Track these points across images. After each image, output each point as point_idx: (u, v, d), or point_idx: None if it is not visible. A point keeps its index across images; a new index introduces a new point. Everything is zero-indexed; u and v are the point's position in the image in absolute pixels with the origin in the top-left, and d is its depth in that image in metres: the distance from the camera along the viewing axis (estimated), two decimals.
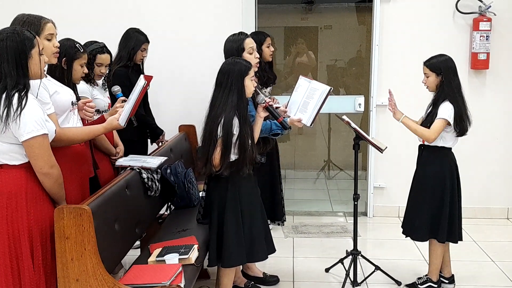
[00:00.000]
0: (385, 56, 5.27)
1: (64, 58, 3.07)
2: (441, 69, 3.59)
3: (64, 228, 2.50)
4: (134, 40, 4.32)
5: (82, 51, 3.21)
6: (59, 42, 2.95)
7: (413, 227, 3.75)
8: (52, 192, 2.61)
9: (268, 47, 4.24)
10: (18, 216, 2.49)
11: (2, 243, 2.48)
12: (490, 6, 5.05)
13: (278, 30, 9.03)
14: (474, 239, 4.76)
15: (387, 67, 5.27)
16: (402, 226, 3.85)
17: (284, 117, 3.48)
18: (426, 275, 3.82)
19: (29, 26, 2.69)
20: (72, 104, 2.96)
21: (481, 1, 5.09)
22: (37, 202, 2.55)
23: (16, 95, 2.42)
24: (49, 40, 2.80)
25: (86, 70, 3.33)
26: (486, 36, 5.09)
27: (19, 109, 2.41)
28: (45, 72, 2.83)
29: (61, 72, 3.07)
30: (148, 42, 4.41)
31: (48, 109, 2.70)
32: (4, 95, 2.41)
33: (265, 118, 3.36)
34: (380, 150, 3.69)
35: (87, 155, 3.12)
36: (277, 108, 3.41)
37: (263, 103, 3.27)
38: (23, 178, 2.52)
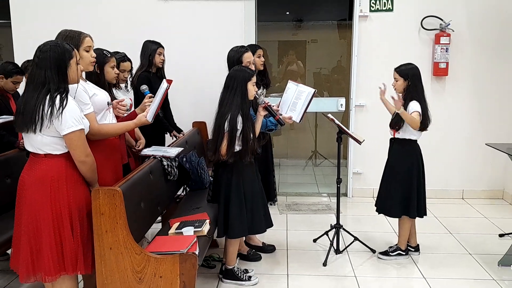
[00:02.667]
0: (362, 65, 5.26)
1: (96, 65, 3.06)
2: (408, 75, 3.58)
3: (100, 206, 2.51)
4: (150, 48, 4.29)
5: (109, 55, 3.20)
6: None
7: (387, 206, 3.76)
8: (87, 176, 2.60)
9: (259, 57, 4.09)
10: (59, 196, 2.49)
11: (47, 218, 2.48)
12: (449, 24, 5.05)
13: (273, 44, 9.01)
14: (435, 215, 4.77)
15: (364, 74, 5.26)
16: (375, 205, 3.86)
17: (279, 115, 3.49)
18: (396, 245, 3.83)
19: (71, 40, 2.68)
20: (107, 104, 2.95)
21: (442, 20, 5.09)
22: (75, 184, 2.55)
23: (58, 97, 2.42)
24: (87, 51, 2.79)
25: (117, 71, 3.32)
26: (446, 49, 5.09)
27: (60, 108, 2.40)
28: (84, 77, 2.82)
29: (96, 77, 3.06)
30: (162, 47, 4.36)
31: (88, 108, 2.69)
32: (48, 97, 2.41)
33: (265, 116, 3.38)
34: (359, 142, 3.69)
35: (120, 146, 3.12)
36: (271, 106, 3.43)
37: (263, 103, 3.28)
38: (63, 165, 2.52)
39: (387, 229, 4.43)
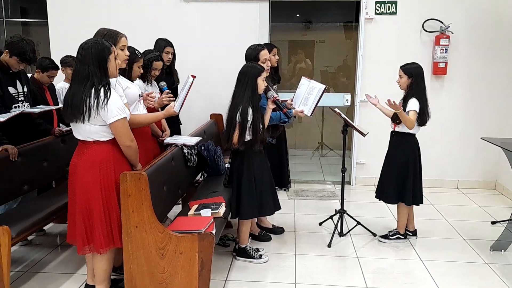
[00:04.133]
0: (367, 63, 5.22)
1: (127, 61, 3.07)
2: (412, 73, 3.55)
3: (127, 188, 2.54)
4: (158, 46, 4.23)
5: (140, 56, 3.22)
6: None
7: (385, 193, 3.75)
8: (132, 159, 2.66)
9: (274, 55, 4.09)
10: (107, 177, 2.55)
11: (97, 197, 2.54)
12: (449, 26, 4.98)
13: (284, 43, 8.96)
14: (432, 203, 4.75)
15: (369, 71, 5.22)
16: (375, 192, 3.85)
17: (289, 109, 3.48)
18: (395, 229, 3.83)
19: (109, 38, 2.70)
20: (139, 96, 2.98)
21: (442, 23, 5.03)
22: (121, 166, 2.61)
23: (102, 89, 2.45)
24: (122, 49, 2.81)
25: (141, 71, 3.33)
26: (445, 49, 5.02)
27: (105, 100, 2.44)
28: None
29: (123, 72, 3.08)
30: (170, 45, 4.27)
31: (122, 100, 2.70)
32: (93, 90, 2.44)
33: (274, 110, 3.37)
34: (363, 134, 3.67)
35: (149, 133, 3.15)
36: (284, 101, 3.42)
37: (272, 97, 3.29)
38: (110, 149, 2.57)
39: (387, 215, 4.41)
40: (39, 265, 3.38)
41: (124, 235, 2.61)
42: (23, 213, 3.10)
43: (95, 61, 2.47)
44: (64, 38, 5.18)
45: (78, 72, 2.49)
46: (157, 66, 3.64)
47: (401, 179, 3.63)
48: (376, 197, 3.83)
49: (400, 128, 3.62)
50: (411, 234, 3.85)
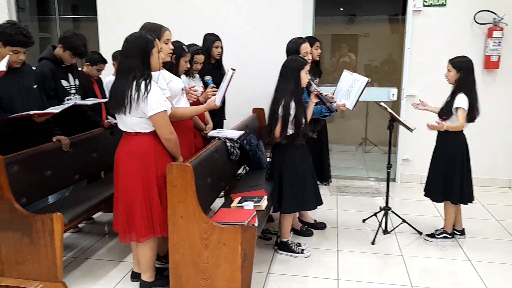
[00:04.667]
0: (414, 57, 5.07)
1: (174, 55, 3.11)
2: (461, 67, 3.44)
3: (173, 179, 2.59)
4: (207, 41, 4.27)
5: (187, 51, 3.26)
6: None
7: (431, 190, 3.65)
8: (172, 151, 2.71)
9: (316, 49, 4.06)
10: (148, 168, 2.62)
11: (138, 187, 2.62)
12: (503, 18, 4.76)
13: (327, 37, 8.85)
14: (481, 203, 4.56)
15: (416, 65, 5.07)
16: (424, 190, 3.75)
17: (331, 103, 3.44)
18: (442, 228, 3.71)
19: (153, 32, 2.75)
20: (181, 90, 3.02)
21: (495, 14, 4.80)
22: (162, 158, 2.67)
23: (143, 82, 2.50)
24: (166, 43, 2.86)
25: (188, 65, 3.38)
26: (499, 42, 4.80)
27: (146, 93, 2.49)
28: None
29: (170, 66, 3.12)
30: (219, 40, 4.29)
31: (165, 93, 2.76)
32: (134, 83, 2.50)
33: (317, 104, 3.34)
34: (410, 130, 3.58)
35: (192, 126, 3.20)
36: (326, 95, 3.39)
37: (315, 91, 3.26)
38: (152, 141, 2.63)
39: (434, 213, 4.28)
40: (88, 251, 3.52)
41: (170, 225, 2.67)
42: (74, 201, 3.24)
43: (138, 54, 2.52)
44: (112, 33, 5.35)
45: (122, 65, 2.56)
46: (199, 59, 3.68)
47: (448, 176, 3.52)
48: (425, 195, 3.72)
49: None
50: (458, 233, 3.72)
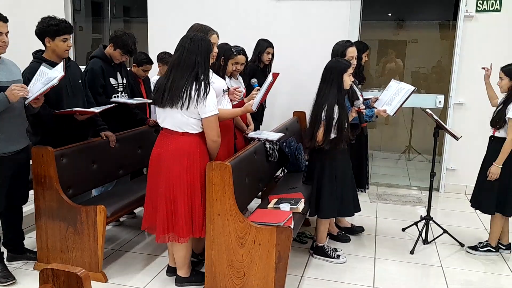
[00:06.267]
0: (464, 64, 4.90)
1: (223, 57, 3.15)
2: None
3: (212, 177, 2.65)
4: (260, 46, 4.39)
5: (235, 54, 3.31)
6: (218, 45, 3.05)
7: (482, 202, 3.49)
8: (213, 152, 2.76)
9: (365, 56, 4.09)
10: (193, 168, 2.67)
11: (183, 187, 2.66)
12: None
13: (373, 42, 8.72)
14: None
15: (466, 73, 4.90)
16: (470, 201, 3.61)
17: (371, 108, 3.40)
18: (486, 241, 3.57)
19: (201, 33, 2.77)
20: (223, 91, 3.04)
21: None
22: (205, 159, 2.72)
23: (203, 83, 2.57)
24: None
25: (234, 68, 3.42)
26: None
27: (205, 94, 2.55)
28: None
29: (218, 67, 3.15)
30: (271, 46, 4.40)
31: None
32: (195, 81, 2.56)
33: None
34: (456, 138, 3.47)
35: (231, 127, 3.25)
36: (367, 99, 3.33)
37: (358, 106, 3.21)
38: (198, 142, 2.68)
39: (477, 225, 4.13)
40: (128, 245, 3.64)
41: (207, 222, 2.73)
42: (117, 195, 3.37)
43: (203, 54, 2.59)
44: (161, 35, 5.52)
45: (184, 60, 2.57)
46: (239, 60, 3.73)
47: (502, 187, 3.37)
48: (472, 206, 3.59)
49: (500, 134, 3.37)
50: (504, 247, 3.57)
